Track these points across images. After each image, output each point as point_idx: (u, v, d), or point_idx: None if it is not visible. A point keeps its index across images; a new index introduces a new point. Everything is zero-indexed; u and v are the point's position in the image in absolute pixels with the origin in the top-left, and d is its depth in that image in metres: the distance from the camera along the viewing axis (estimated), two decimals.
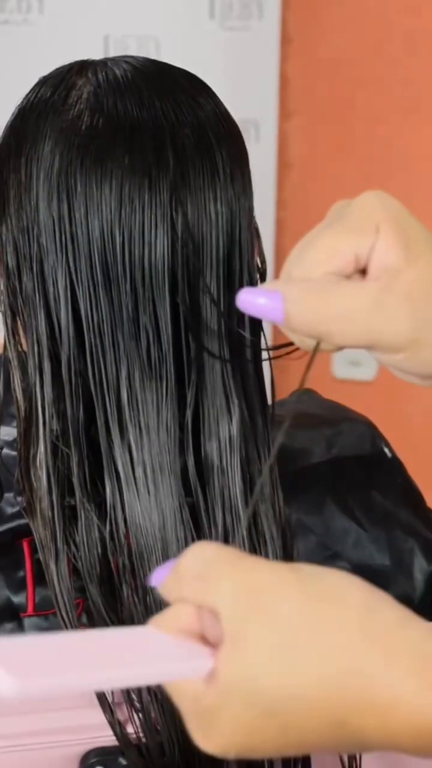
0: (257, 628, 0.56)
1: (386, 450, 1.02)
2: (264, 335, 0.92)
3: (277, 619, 0.56)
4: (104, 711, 0.87)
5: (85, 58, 0.93)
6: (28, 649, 0.53)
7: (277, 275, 0.69)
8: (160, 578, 0.61)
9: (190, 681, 0.57)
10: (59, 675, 0.52)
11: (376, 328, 0.64)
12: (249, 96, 2.39)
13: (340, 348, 0.67)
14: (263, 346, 0.91)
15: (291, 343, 0.86)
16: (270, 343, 0.93)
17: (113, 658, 0.55)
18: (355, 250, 0.64)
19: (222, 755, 0.58)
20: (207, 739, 0.57)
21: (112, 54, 2.37)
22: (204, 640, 0.58)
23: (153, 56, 2.48)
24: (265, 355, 0.91)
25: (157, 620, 0.59)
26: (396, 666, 0.56)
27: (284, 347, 0.87)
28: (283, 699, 0.55)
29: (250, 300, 0.65)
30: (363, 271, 0.66)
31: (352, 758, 0.89)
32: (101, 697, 0.87)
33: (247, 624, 0.56)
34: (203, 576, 0.58)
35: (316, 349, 0.67)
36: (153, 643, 0.57)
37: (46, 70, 0.92)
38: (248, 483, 0.88)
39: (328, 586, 0.58)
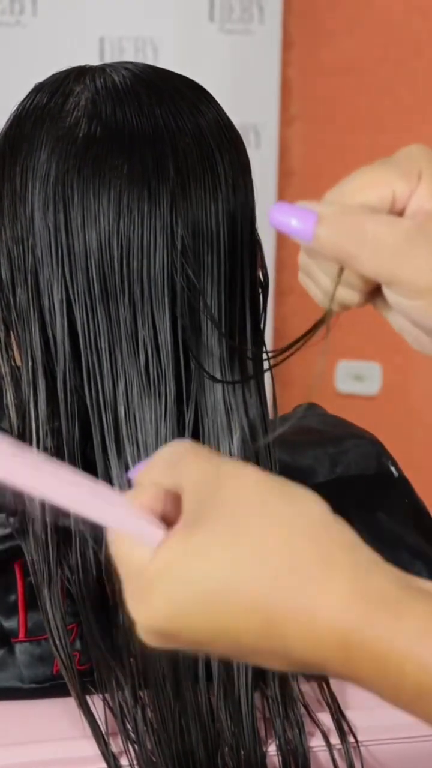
0: (213, 514, 0.58)
1: (393, 469, 1.01)
2: (266, 348, 0.89)
3: (234, 510, 0.58)
4: (98, 742, 0.85)
5: (79, 61, 0.92)
6: (13, 445, 0.57)
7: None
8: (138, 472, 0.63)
9: (139, 549, 0.58)
10: (30, 467, 0.56)
11: (401, 261, 0.65)
12: (249, 101, 2.37)
13: (364, 302, 0.68)
14: (264, 358, 0.89)
15: (290, 347, 0.84)
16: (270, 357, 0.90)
17: (79, 484, 0.58)
18: (395, 189, 0.67)
19: (147, 629, 0.58)
20: (138, 607, 0.58)
21: (107, 57, 2.34)
22: (163, 520, 0.60)
23: (150, 59, 2.46)
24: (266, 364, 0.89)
25: (123, 494, 0.61)
26: (332, 572, 0.56)
27: (284, 351, 0.85)
28: (219, 584, 0.56)
29: (282, 220, 0.66)
30: (399, 216, 0.67)
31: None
32: (95, 727, 0.85)
33: (205, 508, 0.58)
34: (175, 461, 0.61)
35: (339, 275, 0.68)
36: (118, 498, 0.60)
37: (40, 73, 0.90)
38: None
39: (293, 493, 0.59)
